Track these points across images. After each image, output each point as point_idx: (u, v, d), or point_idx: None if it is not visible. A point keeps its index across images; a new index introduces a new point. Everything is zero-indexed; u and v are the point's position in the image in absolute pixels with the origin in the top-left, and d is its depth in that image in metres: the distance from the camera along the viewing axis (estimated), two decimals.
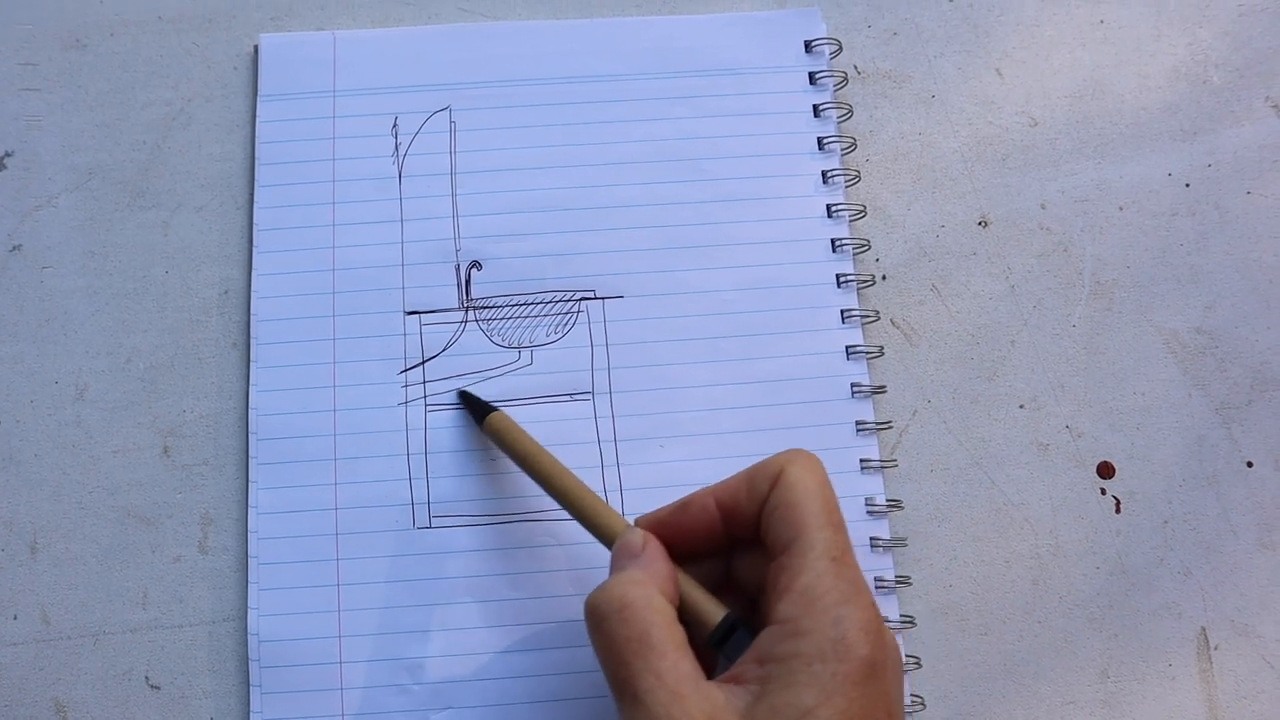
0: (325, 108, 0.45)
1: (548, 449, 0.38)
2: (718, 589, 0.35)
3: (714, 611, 0.33)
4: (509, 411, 0.41)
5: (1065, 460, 0.43)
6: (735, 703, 0.30)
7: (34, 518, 0.41)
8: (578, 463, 0.41)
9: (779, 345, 0.43)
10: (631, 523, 0.35)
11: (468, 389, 0.42)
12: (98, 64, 0.46)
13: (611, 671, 0.31)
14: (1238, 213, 0.46)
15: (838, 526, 0.32)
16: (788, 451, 0.33)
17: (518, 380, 0.42)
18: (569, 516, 0.41)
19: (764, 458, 0.34)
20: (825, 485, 0.33)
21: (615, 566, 0.34)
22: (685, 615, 0.33)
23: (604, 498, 0.38)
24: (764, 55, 0.46)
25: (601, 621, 0.31)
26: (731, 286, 0.43)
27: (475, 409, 0.41)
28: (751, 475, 0.33)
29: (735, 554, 0.35)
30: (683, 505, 0.34)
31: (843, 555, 0.31)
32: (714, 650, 0.33)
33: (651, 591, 0.31)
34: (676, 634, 0.31)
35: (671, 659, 0.30)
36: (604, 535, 0.36)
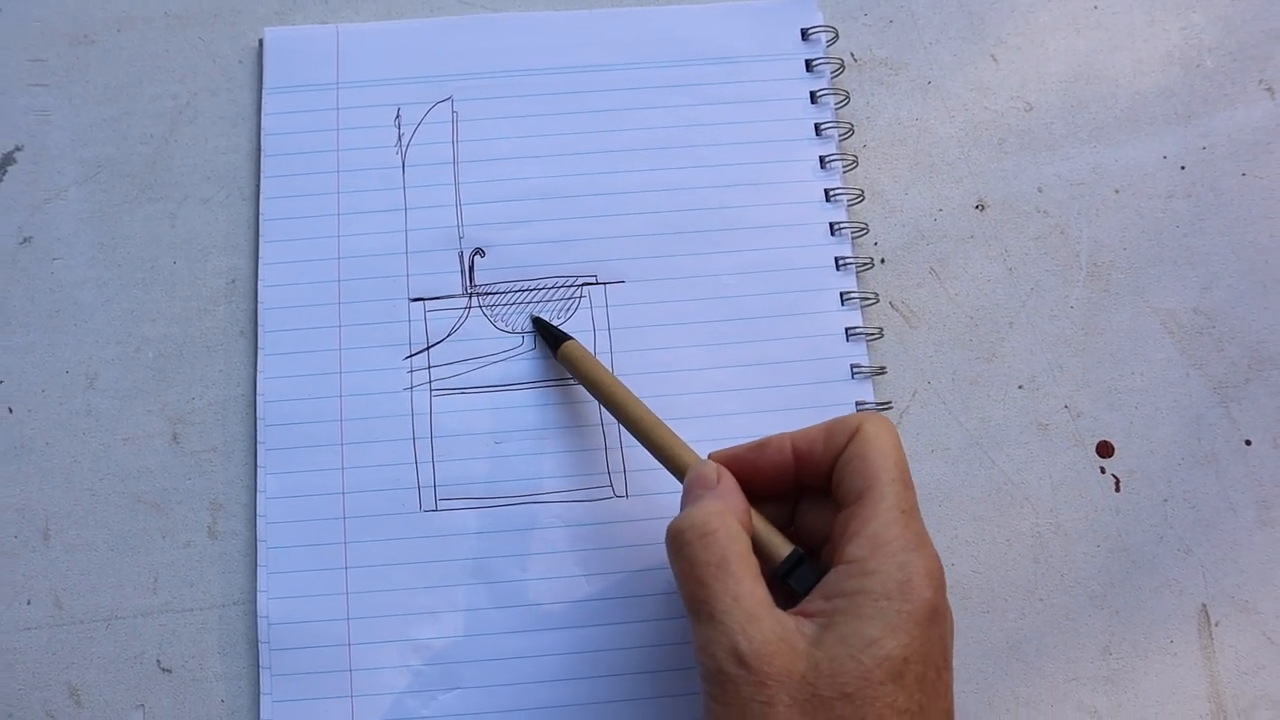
0: (329, 100, 0.45)
1: (620, 380, 0.39)
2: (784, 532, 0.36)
3: (781, 546, 0.34)
4: (512, 395, 0.41)
5: (1065, 440, 0.43)
6: (804, 629, 0.31)
7: (46, 505, 0.42)
8: (580, 445, 0.42)
9: (779, 328, 0.43)
10: (704, 456, 0.36)
11: (541, 316, 0.42)
12: (105, 59, 0.47)
13: (690, 592, 0.32)
14: (1233, 194, 0.46)
15: (908, 484, 0.33)
16: (866, 412, 0.35)
17: (521, 365, 0.43)
18: (572, 499, 0.41)
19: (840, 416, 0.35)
20: (898, 445, 0.34)
21: (691, 496, 0.35)
22: (756, 547, 0.34)
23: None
24: (761, 43, 0.46)
25: (684, 546, 0.32)
26: (731, 270, 0.44)
27: (550, 337, 0.41)
28: (830, 427, 0.35)
29: (802, 502, 0.36)
30: (760, 445, 0.35)
31: (911, 509, 0.33)
32: (780, 581, 0.34)
33: (731, 520, 0.33)
34: (752, 562, 0.32)
35: (749, 584, 0.32)
36: (676, 466, 0.37)
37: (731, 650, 0.31)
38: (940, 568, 0.32)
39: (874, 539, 0.32)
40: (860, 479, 0.33)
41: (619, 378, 0.39)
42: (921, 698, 0.30)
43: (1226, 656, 0.41)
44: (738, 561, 0.32)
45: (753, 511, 0.35)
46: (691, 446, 0.37)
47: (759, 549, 0.34)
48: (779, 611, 0.32)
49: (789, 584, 0.34)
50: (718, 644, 0.31)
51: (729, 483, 0.35)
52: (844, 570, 0.32)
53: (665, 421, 0.38)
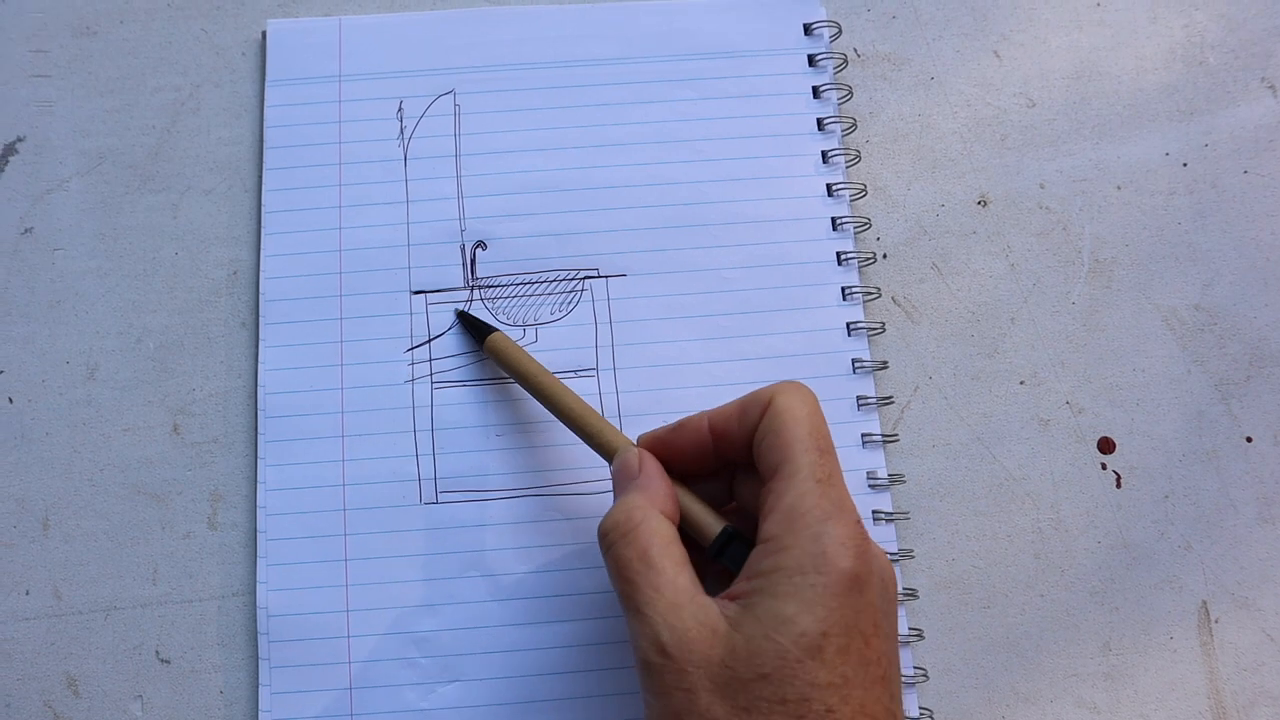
0: (331, 92, 0.45)
1: (547, 369, 0.39)
2: (723, 510, 0.36)
3: (713, 524, 0.34)
4: (512, 388, 0.41)
5: (1066, 435, 0.43)
6: (725, 612, 0.31)
7: (46, 495, 0.42)
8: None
9: (781, 322, 0.43)
10: (633, 440, 0.37)
11: (466, 310, 0.42)
12: (108, 50, 0.47)
13: (619, 589, 0.33)
14: (1235, 192, 0.46)
15: (824, 450, 0.33)
16: (781, 382, 0.35)
17: None
18: (572, 491, 0.41)
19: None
20: (814, 413, 0.33)
21: (617, 487, 0.35)
22: (687, 528, 0.34)
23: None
24: (764, 38, 0.46)
25: (610, 546, 0.33)
26: (733, 264, 0.44)
27: (475, 330, 0.41)
28: (744, 403, 0.34)
29: (737, 477, 0.36)
30: (679, 425, 0.35)
31: (829, 477, 0.32)
32: (714, 560, 0.34)
33: (651, 513, 0.33)
34: (675, 551, 0.32)
35: (670, 574, 0.32)
36: (605, 452, 0.37)
37: (654, 641, 0.31)
38: (861, 532, 0.32)
39: (789, 513, 0.31)
40: (774, 452, 0.33)
41: (546, 370, 0.39)
42: (845, 669, 0.30)
43: (1226, 653, 0.41)
44: (659, 553, 0.32)
45: (683, 491, 0.35)
46: (624, 433, 0.37)
47: (692, 529, 0.34)
48: (703, 597, 0.31)
49: (723, 563, 0.34)
50: (643, 636, 0.31)
51: (650, 469, 0.35)
52: (762, 549, 0.32)
53: (659, 413, 0.38)
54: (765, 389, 0.34)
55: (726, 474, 0.36)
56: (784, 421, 0.33)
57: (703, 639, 0.30)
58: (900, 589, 0.41)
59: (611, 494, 0.36)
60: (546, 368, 0.39)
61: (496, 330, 0.41)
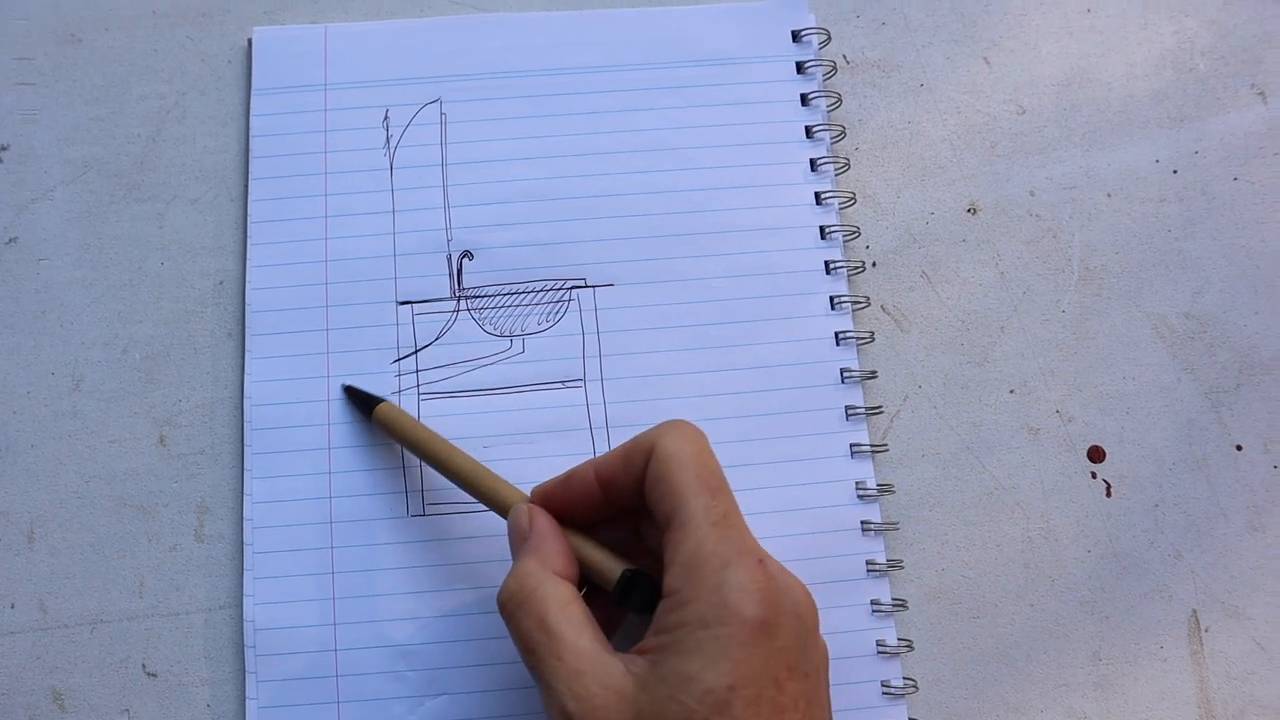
0: (318, 101, 0.45)
1: (436, 432, 0.39)
2: (633, 553, 0.35)
3: (612, 568, 0.33)
4: (500, 399, 0.41)
5: (1056, 444, 0.43)
6: (632, 671, 0.30)
7: (31, 507, 0.41)
8: (569, 449, 0.41)
9: (769, 331, 0.43)
10: (527, 494, 0.36)
11: (350, 384, 0.42)
12: (93, 58, 0.46)
13: (524, 660, 0.32)
14: (1225, 199, 0.46)
15: (715, 491, 0.32)
16: (663, 423, 0.33)
17: (510, 368, 0.42)
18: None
19: (640, 433, 0.34)
20: (702, 451, 0.32)
21: (511, 548, 0.35)
22: (590, 576, 0.34)
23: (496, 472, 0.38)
24: (752, 45, 0.46)
25: (508, 618, 0.33)
26: (721, 274, 0.44)
27: (361, 403, 0.41)
28: (628, 450, 0.33)
29: (642, 523, 0.35)
30: (566, 478, 0.35)
31: (724, 518, 0.31)
32: (620, 605, 0.33)
33: (545, 577, 0.32)
34: (574, 613, 0.32)
35: (570, 639, 0.31)
36: (501, 510, 0.36)
37: (561, 711, 0.30)
38: (764, 575, 0.30)
39: (687, 564, 0.30)
40: (665, 503, 0.32)
41: (435, 434, 0.39)
42: None
43: (1216, 662, 0.41)
44: (556, 619, 0.31)
45: (581, 540, 0.34)
46: (519, 489, 0.36)
47: (594, 576, 0.33)
48: (607, 658, 0.31)
49: (630, 608, 0.33)
50: (552, 706, 0.30)
51: (541, 528, 0.34)
52: (666, 603, 0.31)
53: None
54: (648, 432, 0.33)
55: (630, 520, 0.35)
56: (669, 467, 0.32)
57: (609, 705, 0.29)
58: (890, 599, 0.41)
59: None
60: (436, 433, 0.39)
61: (384, 400, 0.40)
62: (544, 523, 0.34)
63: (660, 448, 0.32)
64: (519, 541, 0.34)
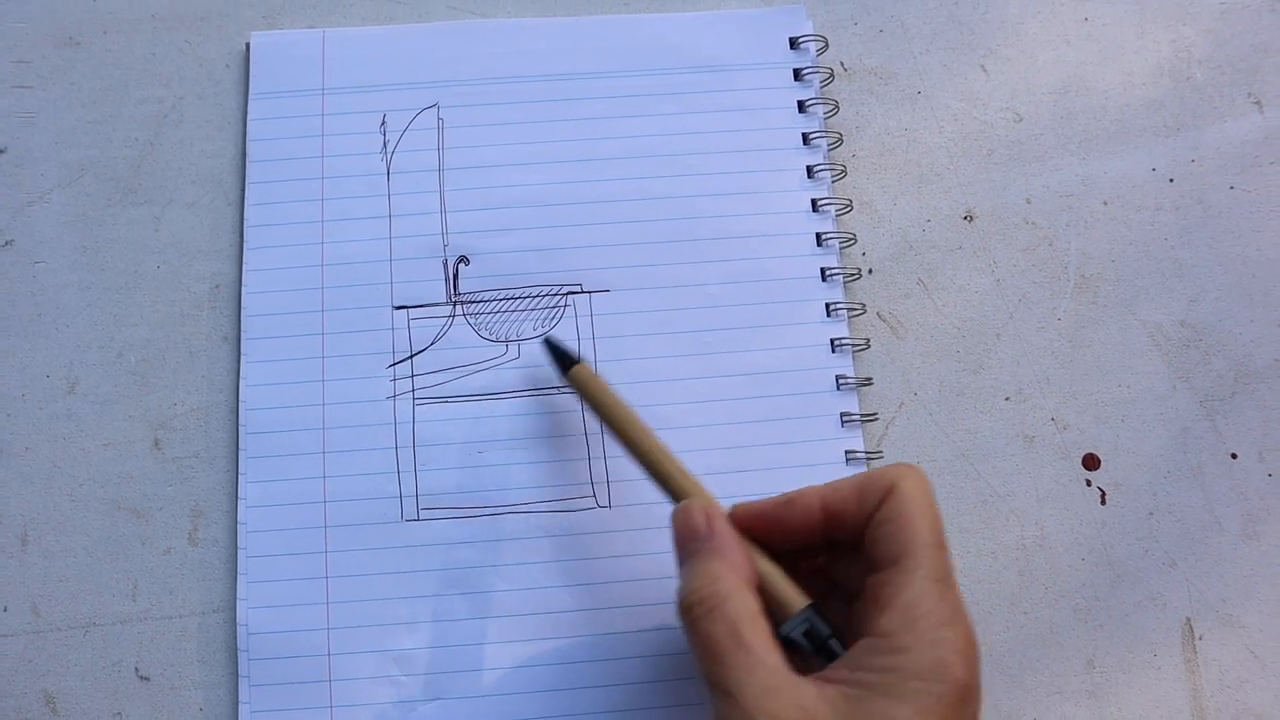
0: (315, 105, 0.45)
1: (629, 405, 0.38)
2: (809, 579, 0.35)
3: (795, 600, 0.33)
4: (495, 404, 0.41)
5: (1051, 452, 0.43)
6: (826, 700, 0.30)
7: (25, 510, 0.41)
8: (563, 455, 0.41)
9: (765, 338, 0.43)
10: (728, 508, 0.35)
11: (553, 338, 0.41)
12: (91, 61, 0.46)
13: (706, 668, 0.31)
14: (1221, 208, 0.46)
15: (943, 547, 0.32)
16: (900, 465, 0.33)
17: (505, 373, 0.42)
18: (555, 509, 0.41)
19: (877, 467, 0.34)
20: (933, 505, 0.33)
21: (681, 546, 0.34)
22: (764, 598, 0.33)
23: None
24: (750, 52, 0.46)
25: (695, 621, 0.31)
26: (717, 280, 0.44)
27: (560, 359, 0.40)
28: (863, 485, 0.33)
29: (835, 555, 0.35)
30: (788, 501, 0.34)
31: (946, 577, 0.31)
32: (784, 636, 0.32)
33: (737, 584, 0.32)
34: (762, 627, 0.31)
35: (761, 653, 0.30)
36: (675, 497, 0.35)
37: None
38: (974, 643, 0.31)
39: (907, 612, 0.30)
40: (894, 544, 0.32)
41: (627, 404, 0.38)
42: None
43: (1210, 670, 0.41)
44: (749, 629, 0.31)
45: (760, 557, 0.34)
46: (698, 480, 0.35)
47: (767, 602, 0.33)
48: (801, 681, 0.30)
49: (797, 640, 0.32)
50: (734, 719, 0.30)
51: (723, 532, 0.33)
52: (875, 643, 0.30)
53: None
54: (884, 471, 0.33)
55: (822, 548, 0.35)
56: (907, 511, 0.32)
57: None
58: None
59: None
60: (628, 407, 0.38)
61: (581, 361, 0.40)
62: (725, 527, 0.33)
63: (900, 489, 0.32)
64: (690, 540, 0.33)
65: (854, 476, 0.33)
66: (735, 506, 0.35)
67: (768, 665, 0.30)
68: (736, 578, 0.32)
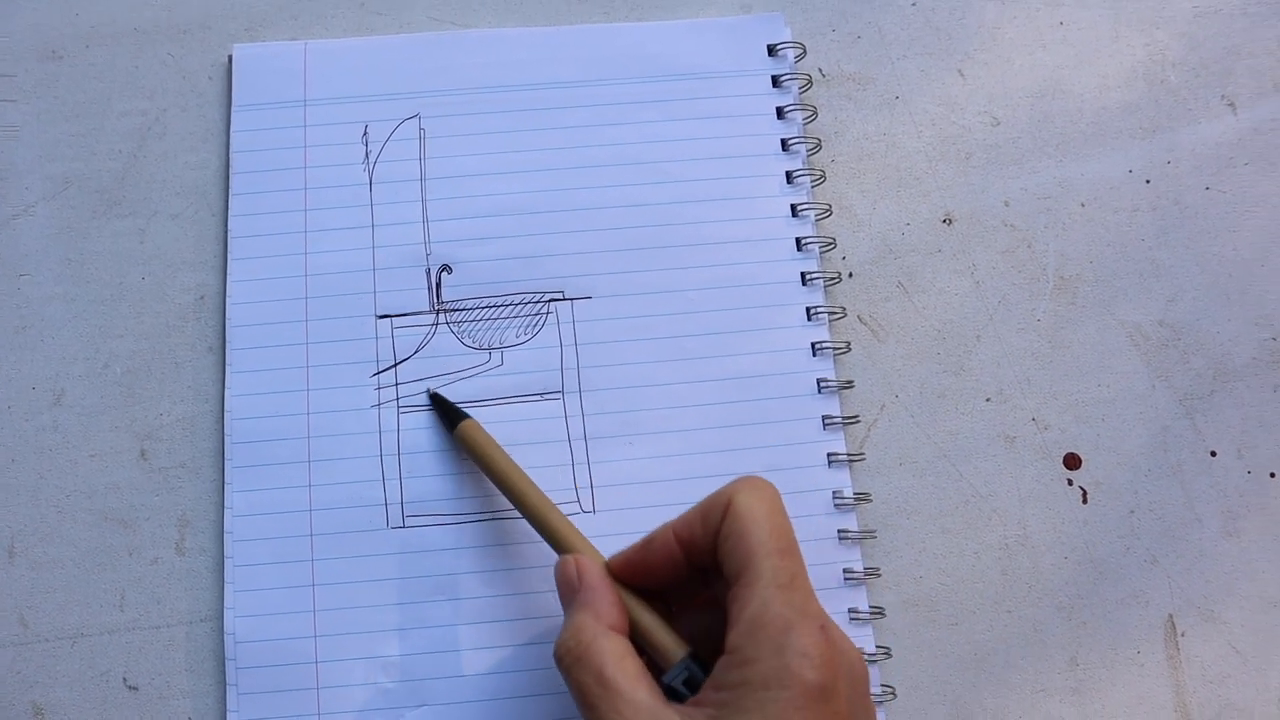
0: (297, 117, 0.45)
1: (515, 460, 0.39)
2: (704, 611, 0.36)
3: (673, 650, 0.34)
4: (479, 412, 0.41)
5: (1032, 452, 0.44)
6: None
7: (12, 522, 0.42)
8: (548, 461, 0.42)
9: (746, 343, 0.43)
10: (598, 551, 0.36)
11: (439, 391, 0.42)
12: (74, 75, 0.47)
13: (582, 714, 0.33)
14: (1197, 208, 0.47)
15: (785, 552, 0.32)
16: (740, 479, 0.34)
17: (489, 381, 0.43)
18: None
19: (720, 484, 0.34)
20: (775, 512, 0.33)
21: (561, 601, 0.36)
22: (645, 647, 0.34)
23: (564, 512, 0.38)
24: (729, 59, 0.47)
25: (565, 671, 0.33)
26: (698, 286, 0.44)
27: (446, 414, 0.41)
28: (705, 507, 0.34)
29: (713, 581, 0.35)
30: (646, 542, 0.35)
31: (791, 581, 0.32)
32: (672, 686, 0.33)
33: (599, 631, 0.33)
34: (629, 667, 0.32)
35: (628, 693, 0.31)
36: (559, 551, 0.37)
37: None
38: (825, 641, 0.31)
39: (751, 623, 0.31)
40: (736, 558, 0.32)
41: (514, 461, 0.39)
42: None
43: (1193, 667, 0.41)
44: (613, 671, 0.32)
45: (640, 609, 0.35)
46: (582, 534, 0.37)
47: (649, 653, 0.34)
48: (665, 711, 0.31)
49: (679, 691, 0.33)
50: None
51: (591, 581, 0.35)
52: (726, 660, 0.31)
53: (625, 435, 0.38)
54: (725, 489, 0.34)
55: (705, 580, 0.36)
56: (744, 524, 0.32)
57: None
58: (867, 607, 0.41)
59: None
60: (514, 462, 0.39)
61: (468, 418, 0.41)
62: (594, 576, 0.35)
63: (735, 504, 0.33)
64: (568, 594, 0.35)
65: (700, 502, 0.34)
66: (611, 558, 0.36)
67: (634, 702, 0.31)
68: (601, 625, 0.33)
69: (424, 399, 0.42)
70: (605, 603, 0.34)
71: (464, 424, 0.41)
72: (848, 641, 0.33)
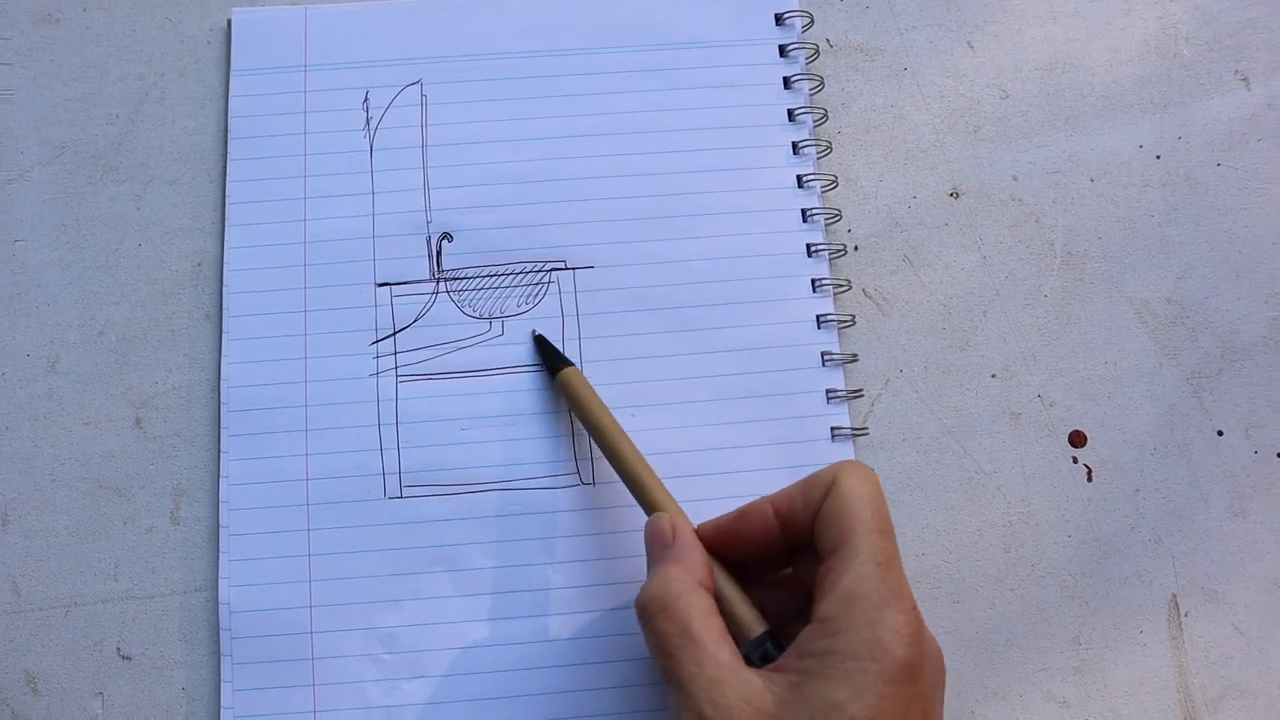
0: (297, 82, 0.45)
1: (614, 416, 0.39)
2: (781, 588, 0.36)
3: (752, 625, 0.34)
4: (478, 381, 0.41)
5: (1037, 429, 0.43)
6: (771, 689, 0.31)
7: (6, 490, 0.41)
8: (547, 431, 0.41)
9: (749, 314, 0.43)
10: (683, 512, 0.37)
11: (545, 336, 0.42)
12: (71, 38, 0.46)
13: (660, 662, 0.33)
14: (1208, 184, 0.46)
15: (885, 534, 0.33)
16: (843, 462, 0.35)
17: (489, 350, 0.42)
18: (538, 485, 0.41)
19: (819, 468, 0.35)
20: (877, 495, 0.33)
21: (650, 554, 0.36)
22: (725, 618, 0.34)
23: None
24: (735, 28, 0.46)
25: (649, 620, 0.33)
26: (701, 256, 0.43)
27: (549, 359, 0.41)
28: (807, 484, 0.34)
29: (796, 558, 0.36)
30: (741, 514, 0.35)
31: (888, 561, 0.32)
32: (748, 656, 0.33)
33: (689, 585, 0.33)
34: (714, 624, 0.33)
35: (711, 649, 0.32)
36: (647, 510, 0.37)
37: (698, 716, 0.31)
38: (918, 621, 0.31)
39: (846, 595, 0.31)
40: (836, 533, 0.33)
41: (610, 411, 0.39)
42: None
43: (1195, 647, 0.41)
44: (699, 626, 0.32)
45: (724, 579, 0.35)
46: (673, 495, 0.37)
47: (730, 622, 0.34)
48: (746, 671, 0.32)
49: (754, 660, 0.33)
50: (686, 710, 0.31)
51: (685, 539, 0.35)
52: (817, 628, 0.31)
53: (627, 406, 0.38)
54: (827, 469, 0.34)
55: (785, 556, 0.36)
56: (848, 502, 0.33)
57: (746, 716, 0.30)
58: None
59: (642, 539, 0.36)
60: (613, 417, 0.39)
61: (571, 365, 0.41)
62: (687, 535, 0.35)
63: (840, 483, 0.33)
64: (659, 548, 0.35)
65: (800, 480, 0.35)
66: (701, 525, 0.36)
67: (716, 659, 0.32)
68: (690, 579, 0.34)
69: (422, 368, 0.42)
70: (696, 560, 0.34)
71: (566, 370, 0.40)
72: (931, 634, 0.33)
